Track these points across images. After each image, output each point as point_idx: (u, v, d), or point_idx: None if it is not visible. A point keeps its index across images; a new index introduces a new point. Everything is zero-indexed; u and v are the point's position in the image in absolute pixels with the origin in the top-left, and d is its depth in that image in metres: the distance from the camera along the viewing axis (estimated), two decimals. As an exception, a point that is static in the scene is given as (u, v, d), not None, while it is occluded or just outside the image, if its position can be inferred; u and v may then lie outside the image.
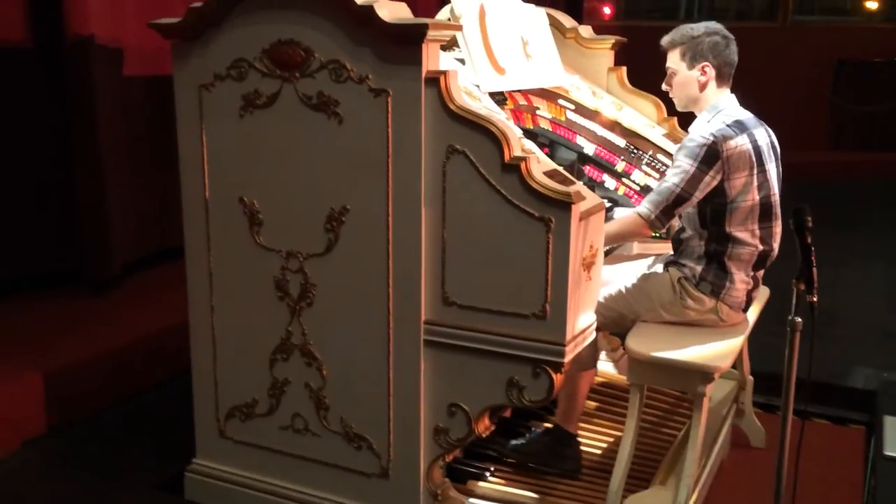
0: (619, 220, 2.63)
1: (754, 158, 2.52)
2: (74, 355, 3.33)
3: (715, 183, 2.48)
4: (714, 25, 2.63)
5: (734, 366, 2.92)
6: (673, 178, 2.49)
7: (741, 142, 2.50)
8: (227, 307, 2.53)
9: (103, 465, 2.97)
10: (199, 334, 2.60)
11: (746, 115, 2.60)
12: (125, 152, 4.13)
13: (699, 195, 2.49)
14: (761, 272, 2.66)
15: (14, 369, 3.16)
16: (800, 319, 1.99)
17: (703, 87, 2.62)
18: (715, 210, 2.52)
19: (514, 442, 2.78)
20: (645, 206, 2.53)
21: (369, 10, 2.09)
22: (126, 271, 4.19)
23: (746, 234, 2.54)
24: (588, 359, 2.60)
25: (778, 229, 2.63)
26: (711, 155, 2.46)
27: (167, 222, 4.39)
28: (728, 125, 2.51)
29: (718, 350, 2.47)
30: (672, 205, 2.49)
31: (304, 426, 2.49)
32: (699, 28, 2.62)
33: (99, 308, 3.87)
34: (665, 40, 2.67)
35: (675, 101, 2.71)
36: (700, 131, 2.51)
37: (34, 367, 3.17)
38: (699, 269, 2.57)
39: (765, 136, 2.61)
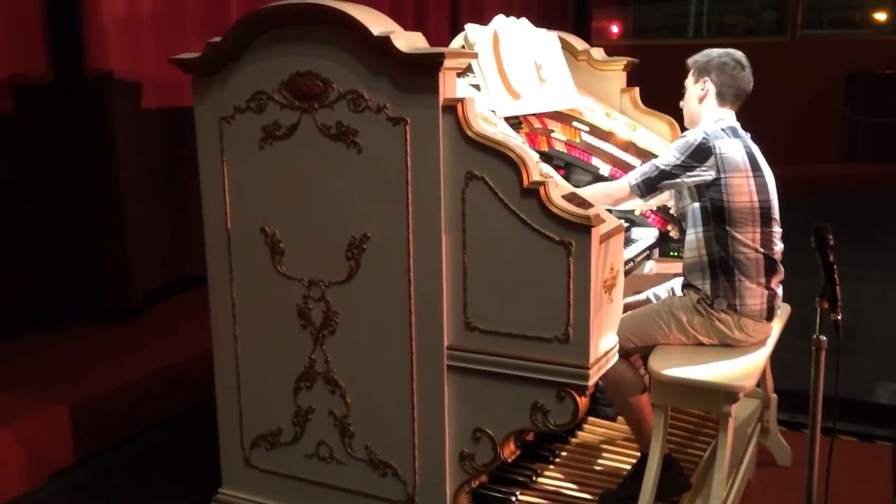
0: (604, 184, 2.80)
1: (748, 162, 2.58)
2: (99, 386, 3.35)
3: (708, 178, 2.55)
4: (734, 52, 2.73)
5: (758, 384, 2.91)
6: (659, 161, 2.61)
7: (734, 144, 2.58)
8: (251, 336, 2.55)
9: (131, 496, 2.98)
10: (223, 363, 2.61)
11: (739, 128, 2.67)
12: (144, 183, 4.18)
13: (686, 180, 2.57)
14: (775, 281, 2.65)
15: (40, 402, 3.18)
16: (825, 338, 1.98)
17: (700, 100, 2.71)
18: (714, 207, 2.57)
19: (618, 491, 2.67)
20: (630, 174, 2.66)
21: (386, 40, 2.12)
22: (147, 301, 4.23)
23: (747, 237, 2.56)
24: (633, 383, 2.64)
25: (777, 235, 2.65)
26: (703, 151, 2.55)
27: (186, 251, 4.44)
28: (721, 129, 2.61)
29: (742, 369, 2.46)
30: (656, 178, 2.60)
31: (329, 454, 2.49)
32: (719, 51, 2.74)
33: (122, 338, 3.90)
34: (689, 60, 2.79)
35: (684, 116, 2.82)
36: (693, 131, 2.63)
37: (60, 399, 3.20)
38: (708, 285, 2.58)
39: (755, 146, 2.66)
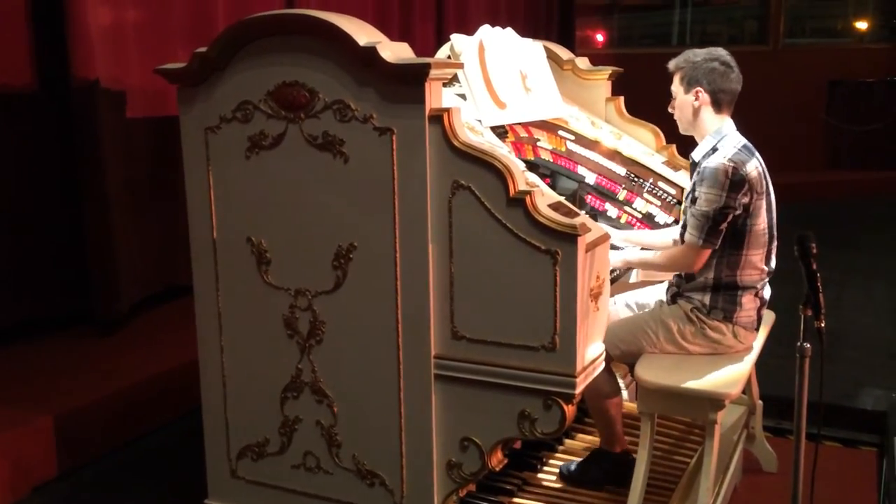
0: (667, 254, 2.64)
1: (763, 182, 2.56)
2: (84, 397, 3.33)
3: (746, 201, 2.50)
4: (717, 52, 2.66)
5: (743, 391, 2.92)
6: (704, 207, 2.50)
7: (755, 165, 2.54)
8: (237, 346, 2.54)
9: (114, 508, 2.96)
10: (209, 374, 2.60)
11: (746, 141, 2.64)
12: (130, 193, 4.17)
13: (738, 211, 2.50)
14: (766, 290, 2.68)
15: (24, 413, 3.15)
16: (809, 345, 2.00)
17: (696, 111, 2.65)
18: (736, 232, 2.54)
19: (571, 472, 2.84)
20: (690, 236, 2.53)
21: (372, 51, 2.13)
22: (133, 311, 4.20)
23: (757, 258, 2.57)
24: (610, 390, 2.66)
25: (774, 249, 2.66)
26: (738, 181, 2.47)
27: (172, 261, 4.42)
28: (738, 149, 2.55)
29: (728, 377, 2.48)
30: (714, 224, 2.49)
31: (317, 464, 2.49)
32: (701, 54, 2.66)
33: (107, 348, 3.87)
34: (670, 64, 2.72)
35: (678, 123, 2.75)
36: (717, 159, 2.52)
37: (44, 409, 3.17)
38: (707, 298, 2.59)
39: (760, 159, 2.65)
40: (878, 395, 3.73)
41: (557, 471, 2.89)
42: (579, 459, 2.90)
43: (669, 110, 2.75)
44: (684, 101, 2.67)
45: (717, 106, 2.64)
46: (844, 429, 3.44)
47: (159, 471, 3.22)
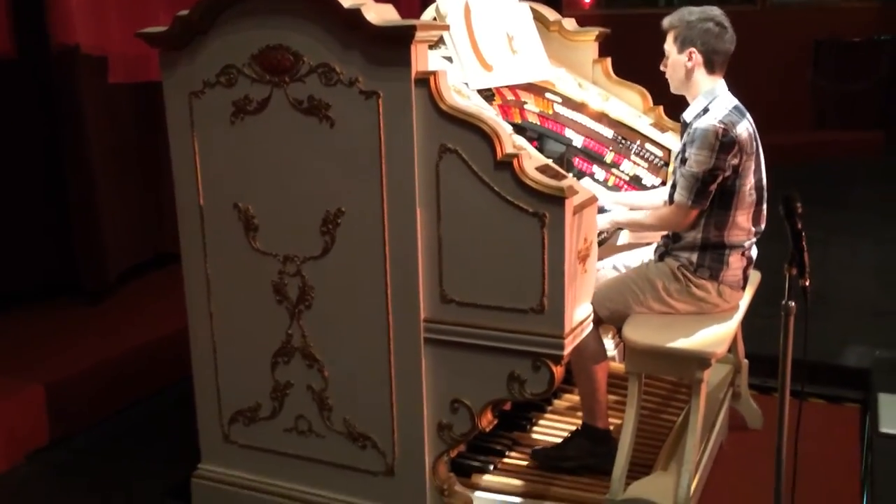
0: (655, 214, 2.65)
1: (753, 143, 2.57)
2: (74, 366, 3.34)
3: (735, 163, 2.51)
4: (711, 11, 2.63)
5: (729, 350, 2.96)
6: (694, 168, 2.50)
7: (745, 126, 2.54)
8: (226, 313, 2.54)
9: (108, 474, 2.98)
10: (199, 341, 2.61)
11: (737, 102, 2.64)
12: (114, 160, 4.14)
13: (727, 172, 2.50)
14: (753, 250, 2.70)
15: (14, 382, 3.17)
16: (793, 304, 2.02)
17: (689, 72, 2.64)
18: (724, 193, 2.54)
19: (548, 450, 2.76)
20: (679, 196, 2.54)
21: (357, 13, 2.10)
22: (120, 279, 4.19)
23: (744, 218, 2.59)
24: (596, 351, 2.63)
25: (764, 211, 2.67)
26: (728, 142, 2.47)
27: (159, 229, 4.40)
28: (730, 111, 2.55)
29: (714, 336, 2.50)
30: (703, 185, 2.50)
31: (308, 427, 2.51)
32: (696, 13, 2.63)
33: (95, 317, 3.87)
34: (664, 22, 2.68)
35: (670, 82, 2.72)
36: (708, 120, 2.51)
37: (34, 379, 3.18)
38: (694, 257, 2.60)
39: (751, 120, 2.64)
40: (862, 352, 3.78)
41: (541, 439, 2.87)
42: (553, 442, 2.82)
43: (661, 68, 2.72)
44: (677, 61, 2.65)
45: (710, 67, 2.63)
46: (828, 386, 3.49)
47: (152, 437, 3.24)
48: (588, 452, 2.68)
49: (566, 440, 2.77)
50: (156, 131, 4.11)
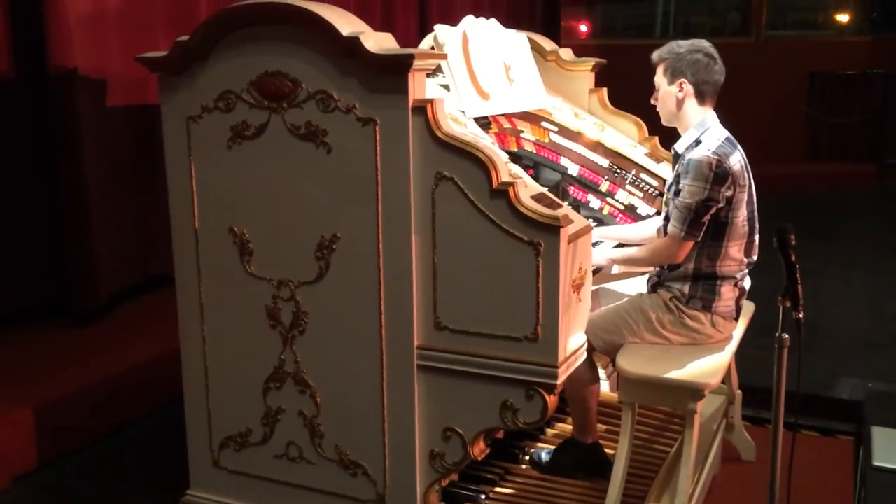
0: (648, 248, 2.65)
1: (746, 175, 2.59)
2: (63, 388, 3.31)
3: (729, 194, 2.52)
4: (700, 44, 2.66)
5: (722, 381, 2.96)
6: (687, 199, 2.50)
7: (738, 158, 2.56)
8: (219, 337, 2.53)
9: (96, 498, 2.95)
10: (191, 364, 2.59)
11: (728, 133, 2.65)
12: (110, 182, 4.13)
13: (720, 204, 2.51)
14: (746, 281, 2.71)
15: (3, 404, 3.13)
16: (787, 336, 2.02)
17: (679, 103, 2.66)
18: (718, 225, 2.55)
19: (542, 461, 2.87)
20: (672, 228, 2.54)
21: (355, 41, 2.12)
22: (112, 301, 4.17)
23: (736, 250, 2.60)
24: (587, 377, 2.67)
25: (756, 242, 2.68)
26: (722, 174, 2.48)
27: (151, 251, 4.39)
28: (722, 142, 2.57)
29: (707, 367, 2.50)
30: (696, 217, 2.50)
31: (299, 454, 2.49)
32: (685, 45, 2.66)
33: (86, 339, 3.84)
34: (654, 55, 2.72)
35: (661, 114, 2.75)
36: (702, 151, 2.53)
37: (23, 401, 3.15)
38: (686, 288, 2.61)
39: (742, 152, 2.66)
40: (855, 384, 3.77)
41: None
42: (550, 448, 2.92)
43: (652, 102, 2.75)
44: (667, 93, 2.67)
45: (701, 97, 2.65)
46: (822, 418, 3.48)
47: (141, 462, 3.20)
48: (582, 467, 2.76)
49: (557, 452, 2.86)
50: (151, 154, 4.14)
